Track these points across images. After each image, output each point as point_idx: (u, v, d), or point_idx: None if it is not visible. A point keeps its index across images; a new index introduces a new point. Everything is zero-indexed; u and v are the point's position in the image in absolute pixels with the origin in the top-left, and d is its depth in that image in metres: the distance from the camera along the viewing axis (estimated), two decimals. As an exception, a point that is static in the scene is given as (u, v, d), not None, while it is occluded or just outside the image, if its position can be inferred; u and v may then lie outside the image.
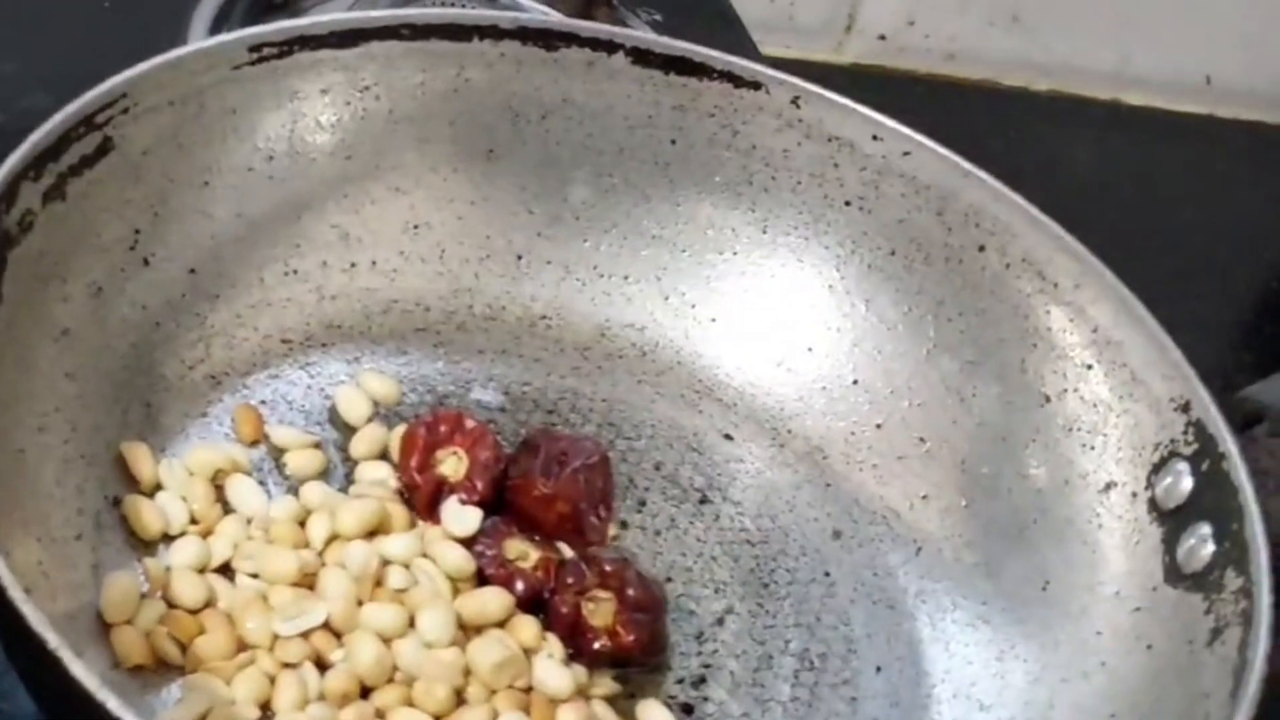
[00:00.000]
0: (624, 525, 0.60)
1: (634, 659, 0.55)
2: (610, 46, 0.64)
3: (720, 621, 0.58)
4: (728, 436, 0.64)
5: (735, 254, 0.65)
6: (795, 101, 0.64)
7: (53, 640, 0.43)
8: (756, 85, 0.64)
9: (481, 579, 0.56)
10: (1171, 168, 0.98)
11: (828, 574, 0.60)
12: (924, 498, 0.62)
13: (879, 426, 0.63)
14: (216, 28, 0.74)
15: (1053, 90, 1.00)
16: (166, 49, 0.58)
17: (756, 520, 0.61)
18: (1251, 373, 0.76)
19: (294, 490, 0.58)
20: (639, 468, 0.62)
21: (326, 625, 0.53)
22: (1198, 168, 0.98)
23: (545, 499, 0.57)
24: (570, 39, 0.63)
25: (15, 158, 0.53)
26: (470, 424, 0.58)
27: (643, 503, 0.61)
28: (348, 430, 0.60)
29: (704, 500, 0.62)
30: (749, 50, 0.81)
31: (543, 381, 0.64)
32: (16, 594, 0.43)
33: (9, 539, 0.48)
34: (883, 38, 0.96)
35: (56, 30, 0.78)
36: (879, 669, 0.58)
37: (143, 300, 0.58)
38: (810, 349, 0.64)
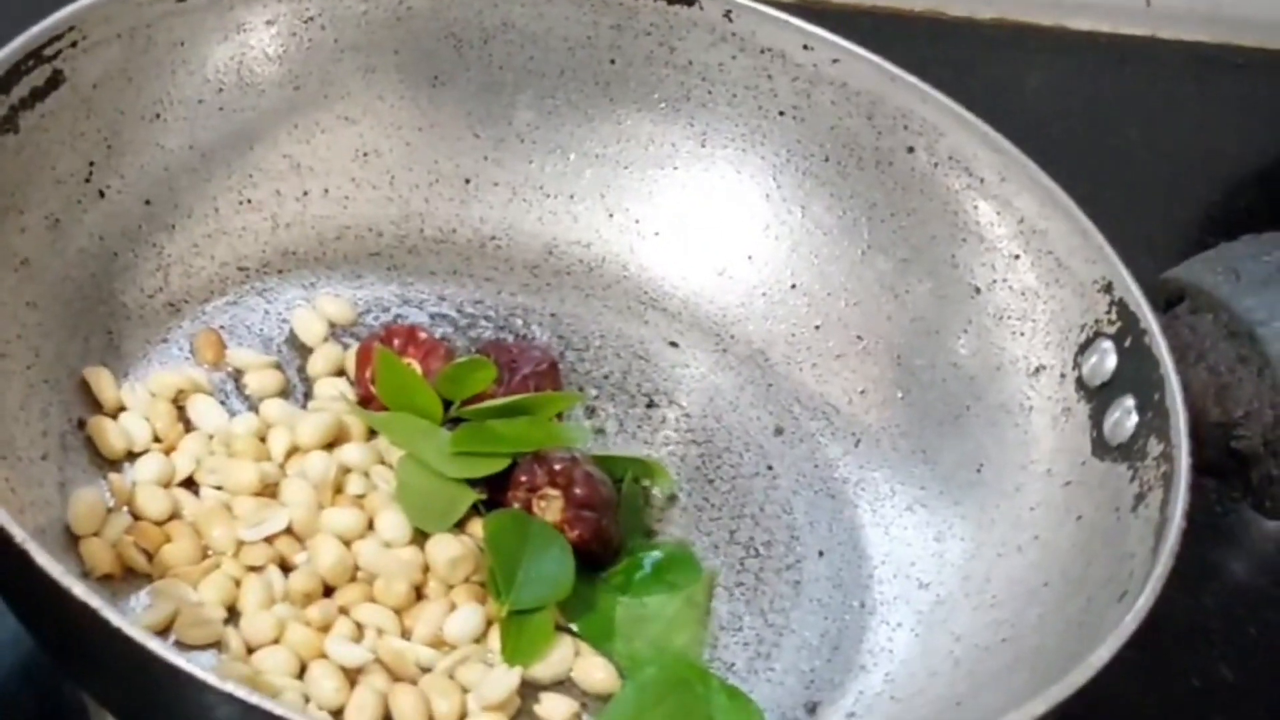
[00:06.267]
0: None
1: (582, 555, 0.56)
2: (546, -32, 0.65)
3: (668, 516, 0.60)
4: (673, 344, 0.66)
5: (676, 168, 0.67)
6: (728, 15, 0.65)
7: (18, 534, 0.44)
8: (689, 2, 0.65)
9: (436, 482, 0.57)
10: (1116, 90, 0.99)
11: (770, 468, 0.62)
12: (862, 392, 0.64)
13: (818, 327, 0.65)
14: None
15: (997, 18, 1.01)
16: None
17: (702, 421, 0.63)
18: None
19: (254, 408, 0.59)
20: (588, 377, 0.64)
21: (289, 531, 0.55)
22: (1141, 89, 1.00)
23: (497, 405, 0.59)
24: (507, -38, 0.65)
25: (-34, 91, 0.54)
26: (423, 336, 0.60)
27: (592, 410, 0.63)
28: (305, 352, 0.62)
29: (651, 405, 0.63)
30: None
31: (493, 300, 0.66)
32: (-19, 492, 0.45)
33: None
34: (827, -29, 0.97)
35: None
36: (821, 554, 0.60)
37: (100, 231, 0.60)
38: (750, 256, 0.66)
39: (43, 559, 0.44)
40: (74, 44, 0.58)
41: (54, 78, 0.57)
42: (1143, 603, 0.49)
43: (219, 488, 0.57)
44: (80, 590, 0.44)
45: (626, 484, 0.59)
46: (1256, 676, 0.66)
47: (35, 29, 0.57)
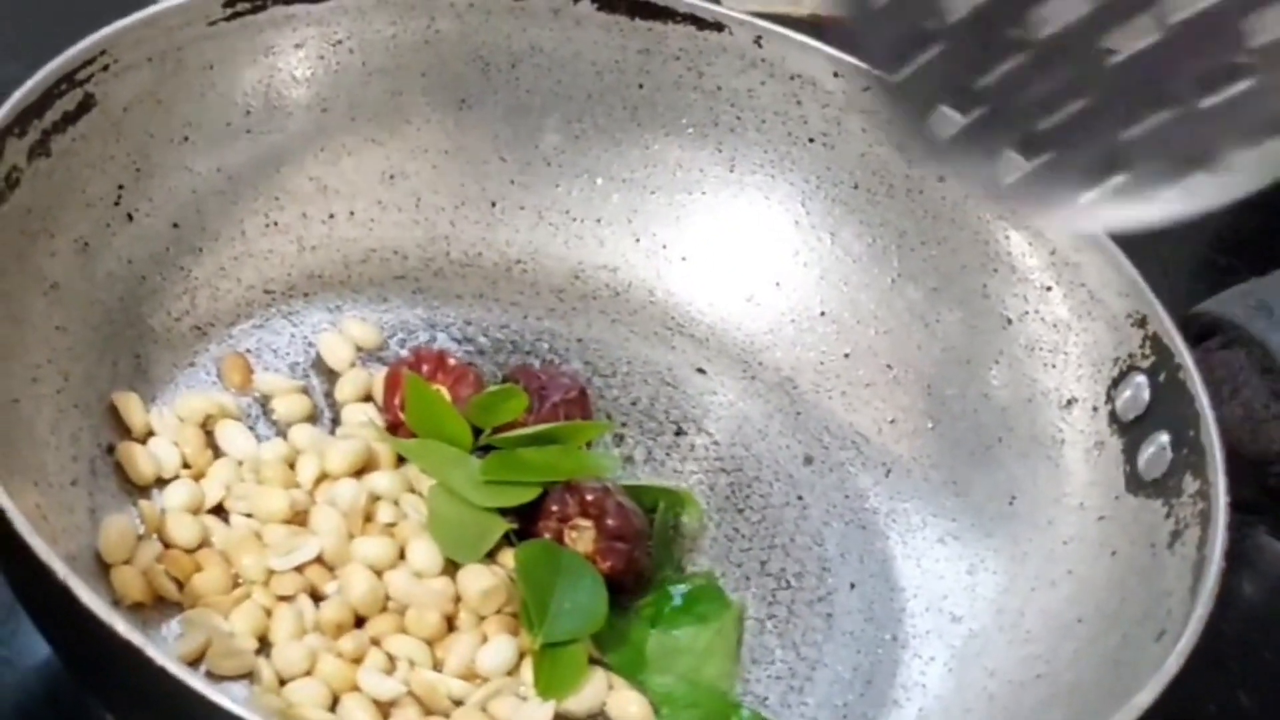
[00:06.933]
0: (603, 459, 0.62)
1: (614, 586, 0.56)
2: (575, -8, 0.65)
3: (698, 546, 0.60)
4: (701, 370, 0.66)
5: (704, 194, 0.67)
6: (757, 41, 0.65)
7: (60, 570, 0.44)
8: (720, 27, 0.65)
9: (467, 511, 0.57)
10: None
11: (800, 498, 0.62)
12: (892, 422, 0.64)
13: (847, 355, 0.65)
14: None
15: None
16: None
17: (730, 449, 0.63)
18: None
19: (282, 434, 0.59)
20: (616, 404, 0.64)
21: (320, 559, 0.55)
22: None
23: (527, 433, 0.59)
24: (536, -14, 0.65)
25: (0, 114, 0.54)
26: (452, 362, 0.60)
27: (620, 438, 0.63)
28: (332, 376, 0.62)
29: (679, 432, 0.63)
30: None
31: (520, 324, 0.65)
32: (22, 526, 0.45)
33: (7, 484, 0.50)
34: (841, -12, 0.97)
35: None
36: (853, 586, 0.60)
37: (128, 254, 0.59)
38: (778, 283, 0.66)
39: (84, 594, 0.44)
40: (105, 68, 0.58)
41: (85, 101, 0.57)
42: (1184, 644, 0.49)
43: (249, 515, 0.56)
44: (123, 627, 0.44)
45: (659, 515, 0.59)
46: (1274, 703, 0.66)
47: (67, 53, 0.57)
